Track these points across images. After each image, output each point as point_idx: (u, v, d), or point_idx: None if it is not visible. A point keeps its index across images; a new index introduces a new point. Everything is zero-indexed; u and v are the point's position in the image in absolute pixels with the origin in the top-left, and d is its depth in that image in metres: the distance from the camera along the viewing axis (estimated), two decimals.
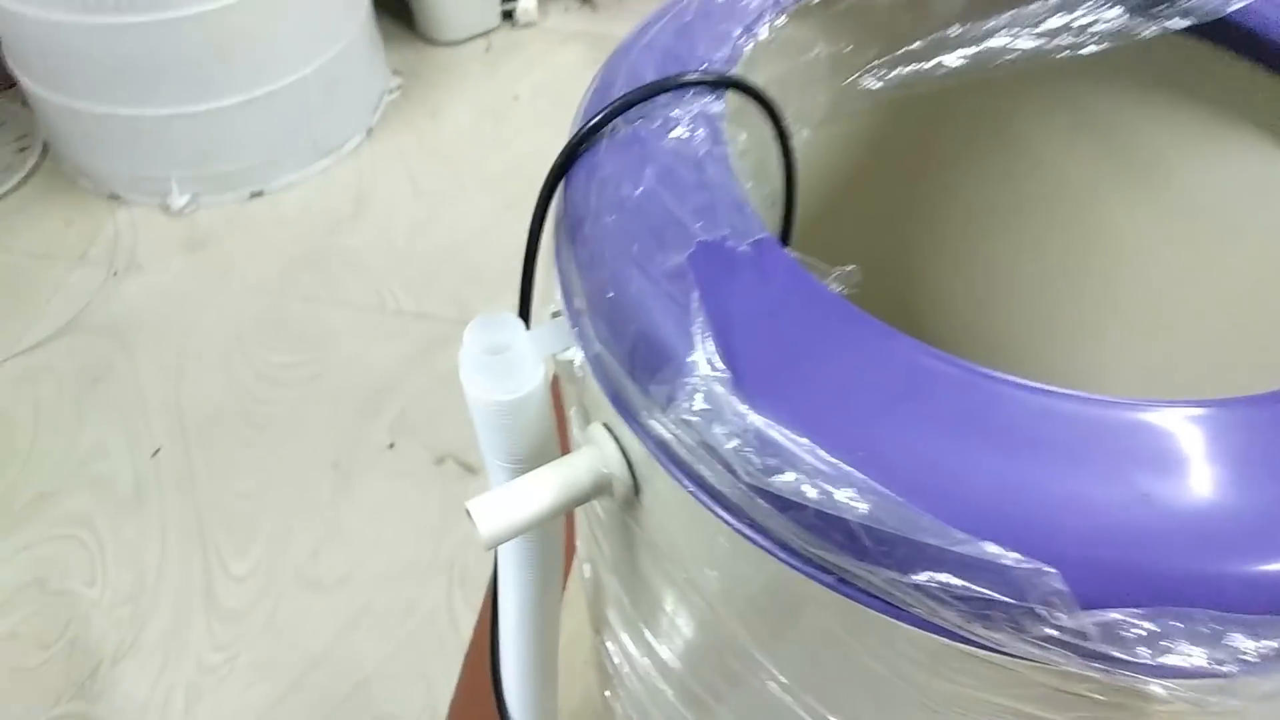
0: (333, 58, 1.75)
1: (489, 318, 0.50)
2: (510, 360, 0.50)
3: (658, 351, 0.43)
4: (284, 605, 1.32)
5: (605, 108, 0.51)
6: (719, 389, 0.39)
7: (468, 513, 0.49)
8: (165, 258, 1.73)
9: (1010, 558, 0.34)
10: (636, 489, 0.51)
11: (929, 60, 0.63)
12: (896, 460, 0.36)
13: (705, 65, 0.53)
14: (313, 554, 1.38)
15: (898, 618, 0.39)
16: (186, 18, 1.56)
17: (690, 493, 0.45)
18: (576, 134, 0.52)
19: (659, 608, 0.57)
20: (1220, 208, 0.72)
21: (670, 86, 0.51)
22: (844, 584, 0.40)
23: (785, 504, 0.38)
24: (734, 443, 0.37)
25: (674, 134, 0.48)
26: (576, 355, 0.50)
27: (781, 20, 0.57)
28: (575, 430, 0.54)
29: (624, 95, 0.51)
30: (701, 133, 0.48)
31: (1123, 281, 0.78)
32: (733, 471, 0.39)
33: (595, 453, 0.50)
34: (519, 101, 2.00)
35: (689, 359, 0.41)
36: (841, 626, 0.43)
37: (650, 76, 0.52)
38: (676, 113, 0.50)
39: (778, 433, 0.37)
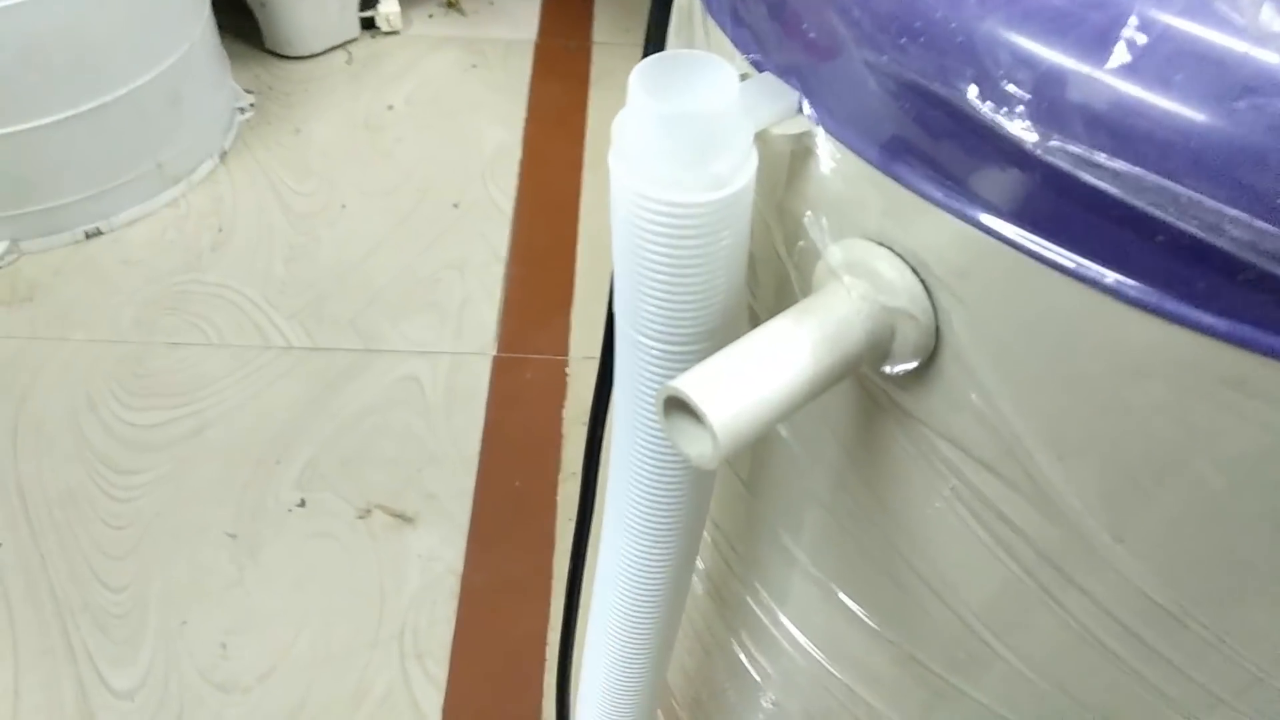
0: (173, 64, 1.49)
1: (665, 59, 0.29)
2: (713, 131, 0.29)
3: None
4: (191, 717, 1.03)
5: None
6: None
7: (678, 401, 0.28)
8: None
9: None
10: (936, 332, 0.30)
11: None
12: None
13: None
14: (220, 648, 1.08)
15: None
16: None
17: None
18: None
19: (919, 544, 0.36)
20: None
21: None
22: None
23: None
24: None
25: None
26: (807, 125, 0.30)
27: None
28: (802, 265, 0.33)
29: None
30: None
31: None
32: None
33: (863, 286, 0.30)
34: (394, 111, 1.77)
35: None
36: None
37: None
38: None
39: None
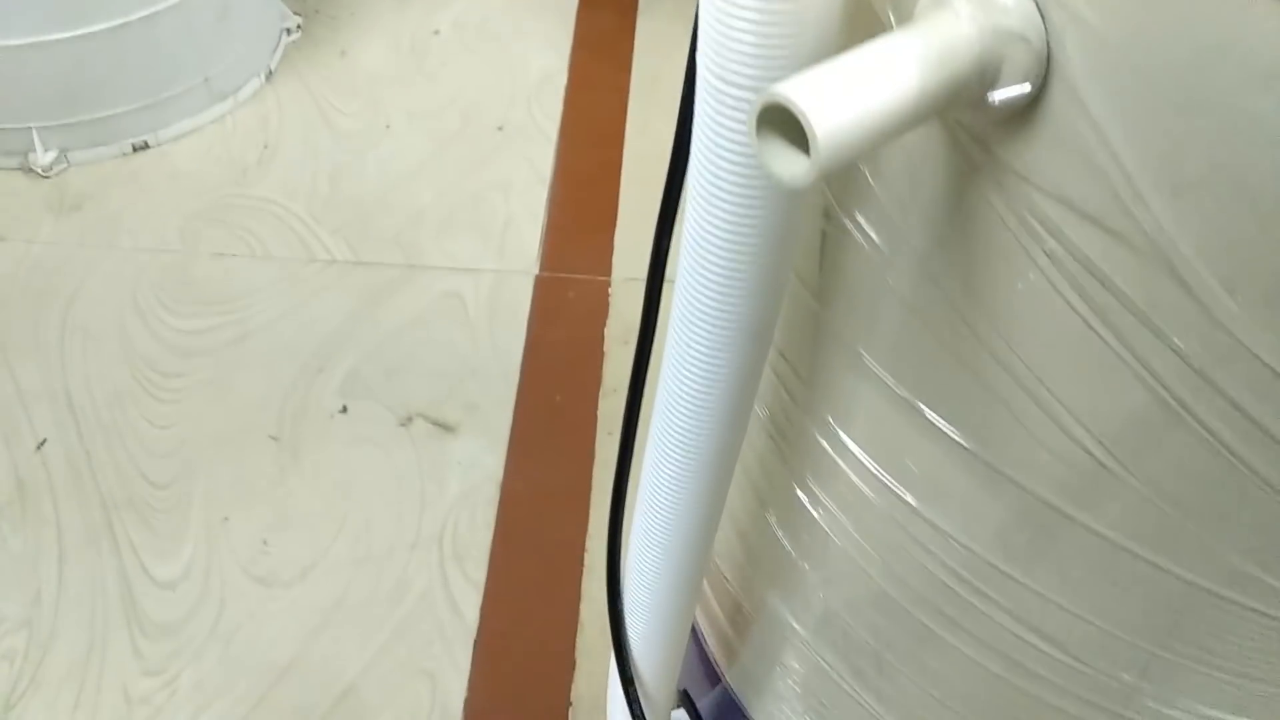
0: None
1: None
2: None
3: None
4: (232, 609, 1.04)
5: None
6: None
7: (771, 116, 0.26)
8: (31, 223, 1.42)
9: None
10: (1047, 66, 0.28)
11: None
12: None
13: None
14: (261, 544, 1.09)
15: None
16: None
17: None
18: None
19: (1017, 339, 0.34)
20: None
21: None
22: None
23: None
24: None
25: None
26: None
27: None
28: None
29: None
30: None
31: None
32: None
33: (972, 6, 0.28)
34: (440, 36, 1.76)
35: None
36: None
37: None
38: None
39: None
